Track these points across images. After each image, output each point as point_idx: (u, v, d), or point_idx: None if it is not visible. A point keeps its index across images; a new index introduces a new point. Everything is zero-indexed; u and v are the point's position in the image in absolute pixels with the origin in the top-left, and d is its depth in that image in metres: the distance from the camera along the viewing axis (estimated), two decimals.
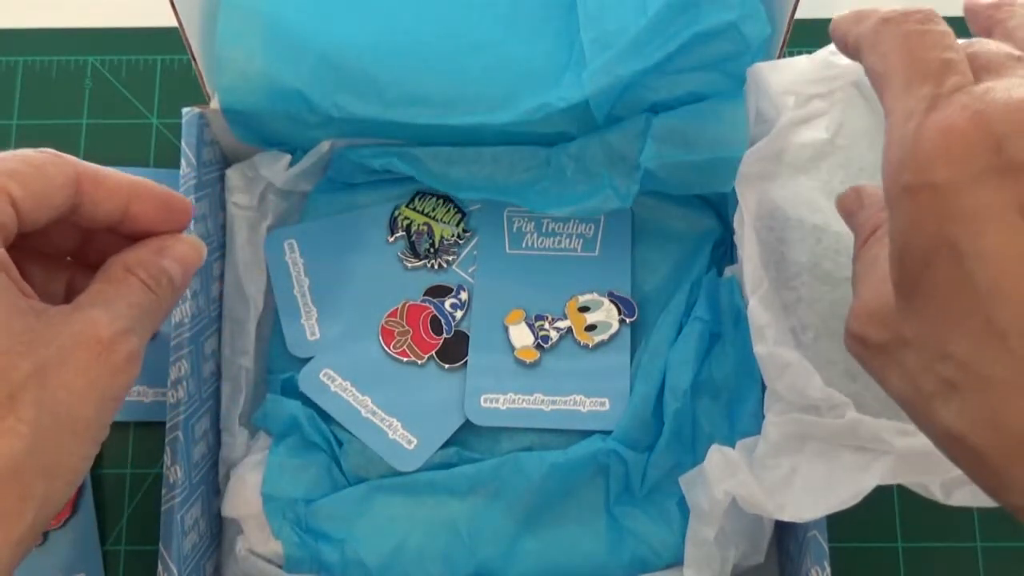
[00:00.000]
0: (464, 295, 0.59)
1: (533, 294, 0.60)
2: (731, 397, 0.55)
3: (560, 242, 0.61)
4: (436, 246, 0.60)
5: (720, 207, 0.61)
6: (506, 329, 0.59)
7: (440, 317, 0.59)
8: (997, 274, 0.29)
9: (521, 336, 0.58)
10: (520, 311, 0.59)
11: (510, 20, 0.57)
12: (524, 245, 0.61)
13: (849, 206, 0.41)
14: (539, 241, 0.61)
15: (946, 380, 0.31)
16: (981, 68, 0.32)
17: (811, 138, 0.50)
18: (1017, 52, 0.33)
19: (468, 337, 0.58)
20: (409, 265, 0.60)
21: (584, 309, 0.59)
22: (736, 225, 0.52)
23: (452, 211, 0.62)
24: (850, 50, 0.38)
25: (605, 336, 0.58)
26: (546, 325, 0.58)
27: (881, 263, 0.35)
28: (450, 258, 0.60)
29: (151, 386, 0.65)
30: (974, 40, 0.34)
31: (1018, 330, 0.29)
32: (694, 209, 0.61)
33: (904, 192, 0.31)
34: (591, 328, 0.58)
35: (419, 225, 0.61)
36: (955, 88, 0.31)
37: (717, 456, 0.49)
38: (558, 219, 0.62)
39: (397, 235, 0.61)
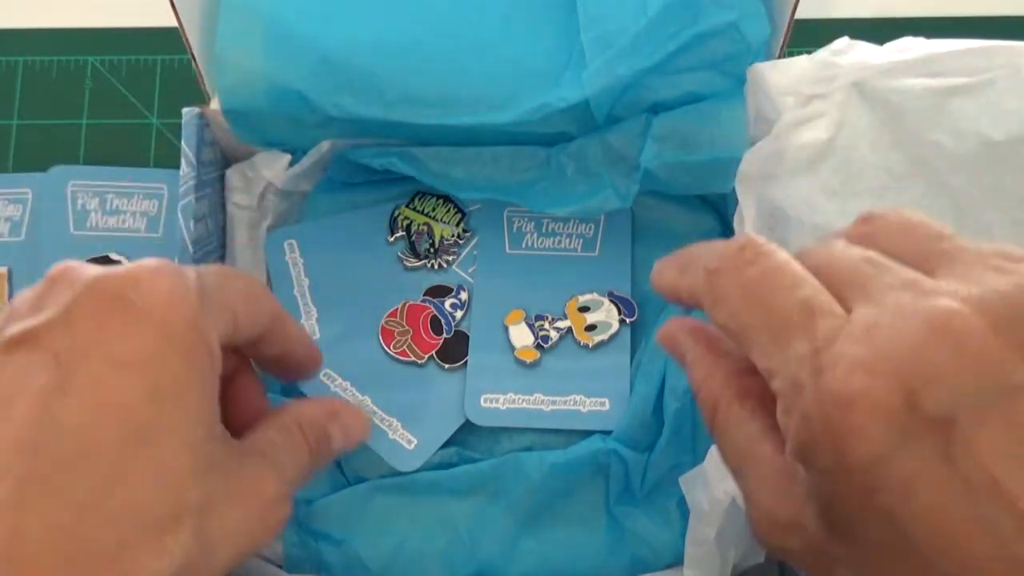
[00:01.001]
0: (464, 295, 0.59)
1: (533, 294, 0.60)
2: None
3: (560, 242, 0.61)
4: (436, 246, 0.60)
5: (720, 207, 0.61)
6: (506, 329, 0.58)
7: (440, 317, 0.59)
8: (939, 533, 0.27)
9: (521, 336, 0.58)
10: (520, 311, 0.59)
11: (510, 20, 0.57)
12: (524, 245, 0.61)
13: (670, 349, 0.38)
14: (539, 241, 0.61)
15: None
16: (845, 287, 0.29)
17: (811, 138, 0.50)
18: (869, 252, 0.30)
19: (468, 337, 0.58)
20: (409, 265, 0.60)
21: (584, 309, 0.59)
22: (736, 225, 0.52)
23: (452, 211, 0.62)
24: (687, 302, 0.35)
25: (605, 336, 0.58)
26: (546, 325, 0.58)
27: (762, 458, 0.32)
28: (450, 258, 0.60)
29: None
30: (814, 249, 0.31)
31: None
32: (694, 209, 0.61)
33: (822, 474, 0.28)
34: (591, 328, 0.58)
35: (419, 225, 0.61)
36: (831, 336, 0.28)
37: (717, 456, 0.49)
38: (558, 219, 0.62)
39: (397, 235, 0.61)
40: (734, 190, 0.51)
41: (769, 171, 0.50)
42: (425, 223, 0.61)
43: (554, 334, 0.58)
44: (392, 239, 0.61)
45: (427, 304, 0.59)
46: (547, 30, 0.57)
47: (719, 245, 0.33)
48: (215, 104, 0.58)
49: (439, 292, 0.59)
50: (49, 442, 0.31)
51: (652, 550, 0.54)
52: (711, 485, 0.49)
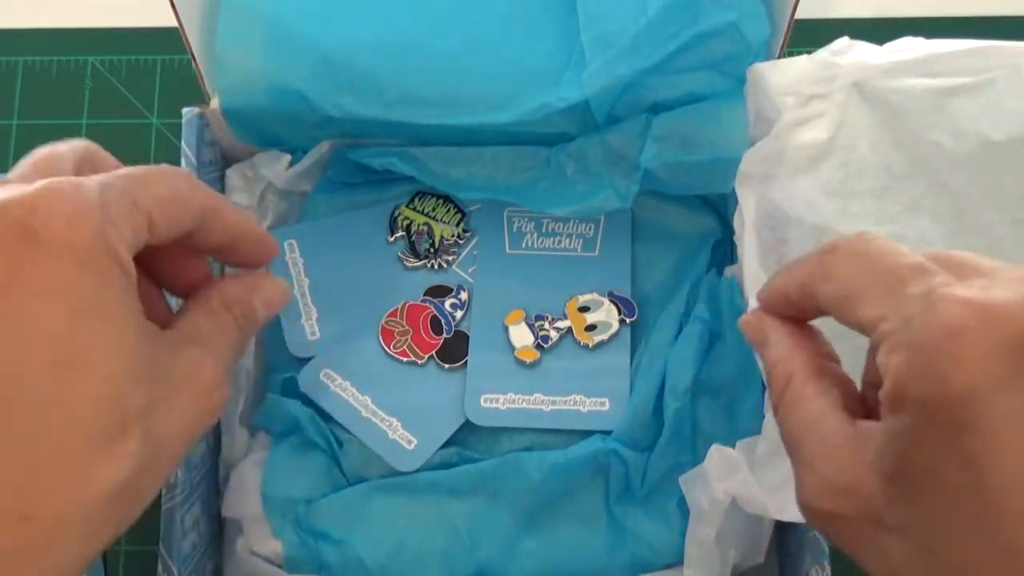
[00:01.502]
0: (464, 295, 0.59)
1: (533, 294, 0.59)
2: (731, 397, 0.55)
3: (560, 242, 0.61)
4: (436, 246, 0.60)
5: (720, 207, 0.61)
6: (506, 329, 0.58)
7: (440, 317, 0.59)
8: (1013, 487, 0.27)
9: (521, 336, 0.58)
10: (520, 311, 0.59)
11: (510, 20, 0.57)
12: (524, 245, 0.61)
13: (753, 336, 0.39)
14: (539, 241, 0.61)
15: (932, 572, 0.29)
16: (957, 268, 0.30)
17: (811, 138, 0.50)
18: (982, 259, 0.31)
19: (468, 337, 0.58)
20: (409, 265, 0.60)
21: (584, 309, 0.59)
22: (736, 225, 0.52)
23: (452, 211, 0.62)
24: (794, 297, 0.36)
25: (605, 336, 0.58)
26: (546, 325, 0.58)
27: (829, 428, 0.33)
28: (450, 258, 0.60)
29: None
30: (932, 249, 0.32)
31: None
32: (694, 209, 0.61)
33: (916, 403, 0.28)
34: (591, 328, 0.58)
35: (419, 225, 0.61)
36: (947, 283, 0.29)
37: (717, 456, 0.49)
38: (558, 219, 0.62)
39: (397, 235, 0.61)
40: (734, 190, 0.51)
41: (769, 171, 0.50)
42: (425, 223, 0.61)
43: (554, 334, 0.58)
44: (392, 239, 0.61)
45: (427, 304, 0.59)
46: (547, 30, 0.57)
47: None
48: (215, 104, 0.58)
49: (439, 292, 0.59)
50: None
51: (652, 550, 0.54)
52: (711, 485, 0.49)
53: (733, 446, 0.49)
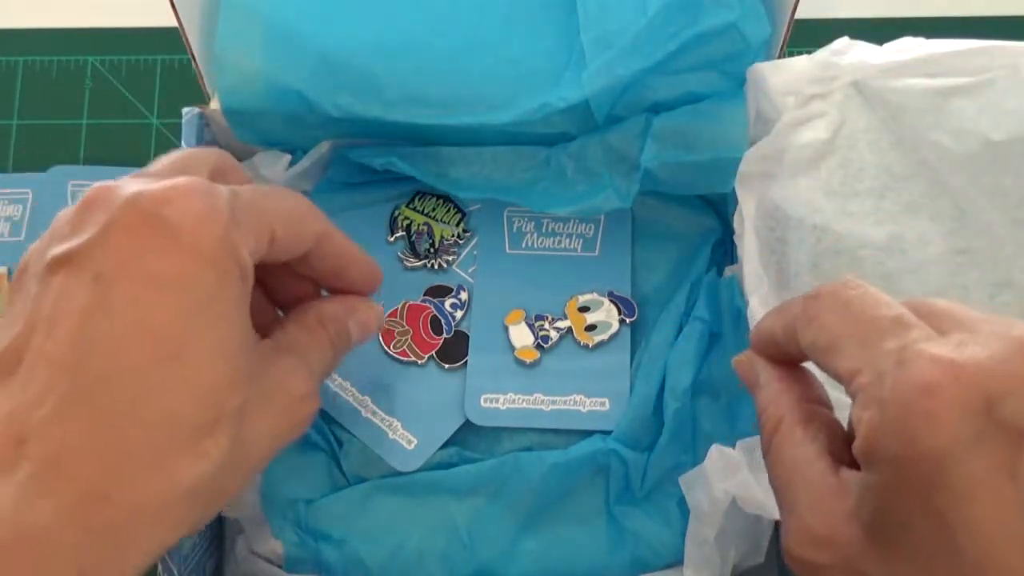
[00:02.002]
0: (464, 295, 0.59)
1: (533, 294, 0.59)
2: (731, 397, 0.55)
3: (560, 242, 0.61)
4: (436, 246, 0.60)
5: (720, 207, 0.61)
6: (506, 329, 0.58)
7: (440, 317, 0.59)
8: (986, 545, 0.27)
9: (521, 336, 0.58)
10: (520, 311, 0.59)
11: (510, 20, 0.57)
12: (524, 245, 0.61)
13: (745, 376, 0.40)
14: (539, 241, 0.61)
15: None
16: (941, 319, 0.31)
17: (811, 138, 0.50)
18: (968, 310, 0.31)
19: (468, 337, 0.58)
20: (409, 265, 0.60)
21: (584, 309, 0.59)
22: (736, 225, 0.52)
23: (452, 211, 0.62)
24: (780, 340, 0.36)
25: (605, 336, 0.58)
26: (546, 325, 0.58)
27: (814, 476, 0.33)
28: (450, 258, 0.60)
29: None
30: (911, 298, 0.33)
31: None
32: (694, 209, 0.61)
33: (887, 461, 0.29)
34: (591, 328, 0.58)
35: (419, 225, 0.61)
36: (922, 339, 0.29)
37: (717, 456, 0.49)
38: (558, 219, 0.61)
39: (397, 235, 0.61)
40: (734, 190, 0.51)
41: (769, 171, 0.50)
42: (425, 223, 0.61)
43: (554, 334, 0.58)
44: (392, 239, 0.61)
45: (427, 304, 0.59)
46: (547, 30, 0.57)
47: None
48: (215, 104, 0.58)
49: (439, 292, 0.59)
50: (88, 361, 0.33)
51: (652, 550, 0.54)
52: (711, 485, 0.49)
53: (733, 446, 0.49)
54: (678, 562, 0.53)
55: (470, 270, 0.60)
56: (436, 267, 0.60)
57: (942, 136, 0.48)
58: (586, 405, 0.56)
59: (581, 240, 0.61)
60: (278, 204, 0.40)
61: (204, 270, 0.35)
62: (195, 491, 0.34)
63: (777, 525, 0.54)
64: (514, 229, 0.61)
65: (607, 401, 0.56)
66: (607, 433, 0.56)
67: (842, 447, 0.34)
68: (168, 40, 0.73)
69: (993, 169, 0.48)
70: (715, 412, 0.55)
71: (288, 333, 0.43)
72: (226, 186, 0.37)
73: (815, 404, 0.36)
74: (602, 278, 0.60)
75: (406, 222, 0.61)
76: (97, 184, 0.36)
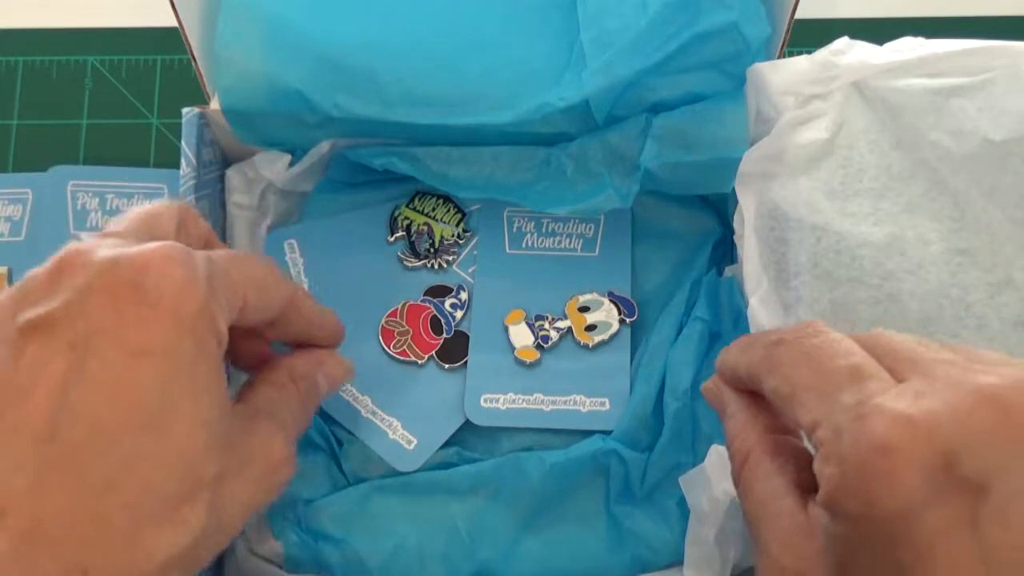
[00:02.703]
0: (464, 295, 0.59)
1: (533, 294, 0.59)
2: None
3: (560, 242, 0.61)
4: (436, 246, 0.60)
5: (720, 207, 0.61)
6: (506, 329, 0.58)
7: (440, 317, 0.59)
8: None
9: (521, 336, 0.58)
10: (520, 311, 0.59)
11: (510, 20, 0.57)
12: (524, 245, 0.61)
13: (712, 403, 0.40)
14: (539, 241, 0.61)
15: None
16: (900, 363, 0.31)
17: (811, 138, 0.50)
18: (921, 338, 0.32)
19: (468, 337, 0.58)
20: (409, 265, 0.60)
21: (584, 309, 0.59)
22: (736, 225, 0.52)
23: (452, 211, 0.62)
24: (744, 380, 0.37)
25: (605, 336, 0.58)
26: (546, 325, 0.58)
27: (783, 512, 0.33)
28: (450, 258, 0.60)
29: None
30: (873, 334, 0.33)
31: None
32: (694, 209, 0.61)
33: (847, 516, 0.29)
34: (591, 328, 0.58)
35: (419, 225, 0.61)
36: (878, 392, 0.29)
37: (717, 456, 0.49)
38: (558, 219, 0.62)
39: (397, 235, 0.61)
40: (734, 190, 0.51)
41: (769, 171, 0.50)
42: (425, 223, 0.61)
43: (554, 334, 0.58)
44: (392, 239, 0.61)
45: (427, 304, 0.59)
46: (547, 30, 0.57)
47: (784, 328, 0.35)
48: (215, 104, 0.58)
49: (439, 292, 0.59)
50: (65, 430, 0.32)
51: (652, 550, 0.54)
52: (711, 485, 0.49)
53: None
54: (678, 562, 0.53)
55: (470, 270, 0.60)
56: (436, 267, 0.60)
57: (942, 136, 0.48)
58: (586, 405, 0.56)
59: (581, 240, 0.61)
60: (249, 271, 0.40)
61: (183, 339, 0.34)
62: (172, 561, 0.34)
63: None
64: (514, 229, 0.61)
65: (607, 401, 0.57)
66: (607, 433, 0.56)
67: (811, 477, 0.33)
68: (168, 40, 0.73)
69: (993, 169, 0.48)
70: (715, 412, 0.55)
71: (260, 394, 0.44)
72: (201, 252, 0.37)
73: (782, 434, 0.36)
74: (602, 278, 0.60)
75: (406, 222, 0.61)
76: (70, 245, 0.36)
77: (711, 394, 0.40)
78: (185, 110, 0.58)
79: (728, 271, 0.57)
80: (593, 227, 0.61)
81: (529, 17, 0.58)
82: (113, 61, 0.75)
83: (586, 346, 0.58)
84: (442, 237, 0.61)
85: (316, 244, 0.61)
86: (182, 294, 0.34)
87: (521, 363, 0.58)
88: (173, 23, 0.54)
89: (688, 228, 0.61)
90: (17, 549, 0.31)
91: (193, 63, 0.57)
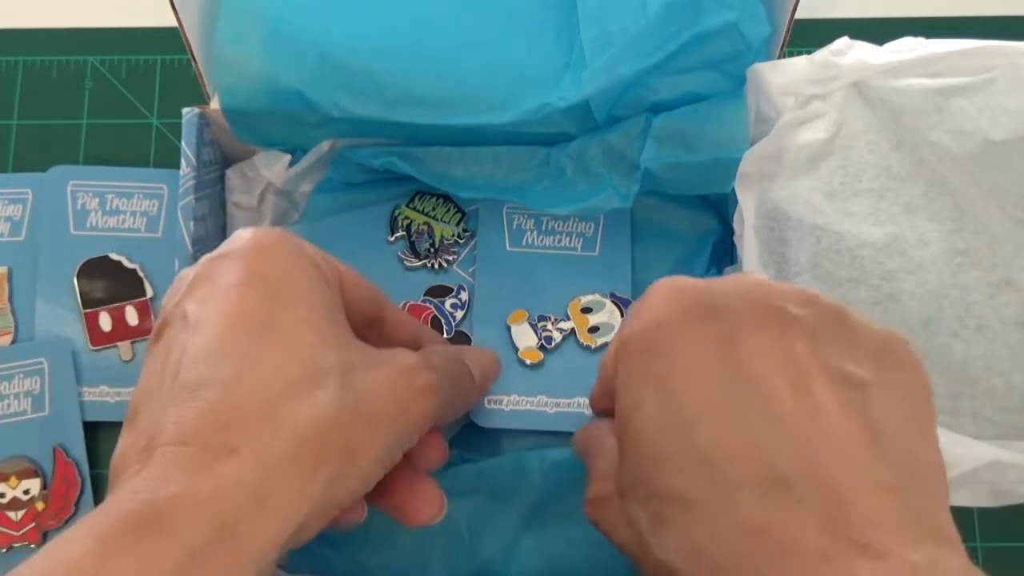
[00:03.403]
0: (464, 295, 0.59)
1: (534, 293, 0.59)
2: None
3: (560, 240, 0.61)
4: (436, 246, 0.60)
5: (720, 207, 0.61)
6: (508, 329, 0.58)
7: (440, 317, 0.59)
8: (699, 398, 0.32)
9: (524, 336, 0.58)
10: (523, 311, 0.59)
11: (510, 20, 0.57)
12: (524, 243, 0.61)
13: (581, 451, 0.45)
14: (539, 239, 0.61)
15: (658, 516, 0.33)
16: None
17: (810, 139, 0.50)
18: None
19: (469, 337, 0.58)
20: (409, 265, 0.60)
21: (587, 310, 0.59)
22: (736, 225, 0.52)
23: (452, 211, 0.62)
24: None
25: (608, 338, 0.58)
26: (549, 326, 0.58)
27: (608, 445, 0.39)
28: (450, 258, 0.60)
29: None
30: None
31: (719, 453, 0.31)
32: (694, 209, 0.61)
33: (622, 345, 0.35)
34: (594, 330, 0.58)
35: (419, 225, 0.61)
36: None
37: None
38: (558, 217, 0.61)
39: (397, 235, 0.61)
40: (734, 190, 0.51)
41: (769, 171, 0.50)
42: (425, 223, 0.61)
43: (557, 335, 0.58)
44: (392, 239, 0.61)
45: (427, 304, 0.59)
46: (547, 30, 0.57)
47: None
48: (215, 104, 0.58)
49: (439, 292, 0.59)
50: (187, 362, 0.37)
51: None
52: None
53: None
54: None
55: (470, 270, 0.60)
56: (436, 267, 0.60)
57: (942, 136, 0.48)
58: (589, 408, 0.56)
59: (581, 239, 0.61)
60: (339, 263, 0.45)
61: (275, 267, 0.39)
62: (315, 436, 0.36)
63: None
64: (514, 226, 0.61)
65: None
66: None
67: None
68: (168, 40, 0.73)
69: (993, 169, 0.48)
70: None
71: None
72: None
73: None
74: (603, 278, 0.60)
75: (406, 222, 0.61)
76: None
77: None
78: (185, 110, 0.58)
79: (728, 271, 0.57)
80: (593, 226, 0.61)
81: (529, 17, 0.58)
82: (113, 61, 0.75)
83: (589, 348, 0.58)
84: (442, 237, 0.61)
85: (316, 244, 0.60)
86: (259, 242, 0.40)
87: (525, 364, 0.58)
88: (173, 23, 0.54)
89: (688, 228, 0.61)
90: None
91: (193, 63, 0.57)
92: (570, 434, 0.55)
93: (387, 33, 0.56)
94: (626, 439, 0.35)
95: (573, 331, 0.58)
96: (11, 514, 0.62)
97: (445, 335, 0.58)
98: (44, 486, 0.63)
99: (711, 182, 0.57)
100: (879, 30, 0.67)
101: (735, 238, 0.52)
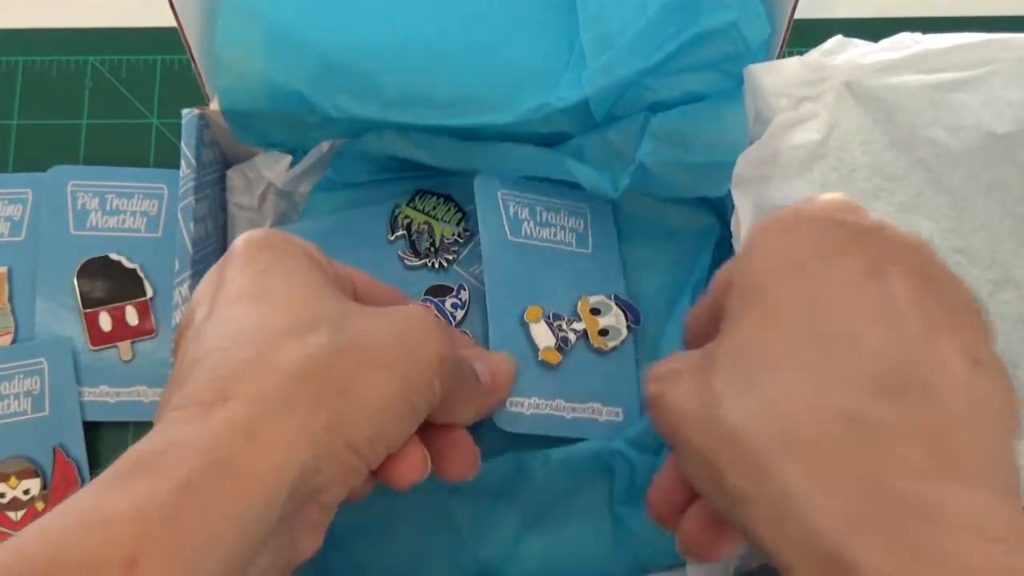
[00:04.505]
0: (465, 294, 0.59)
1: (544, 289, 0.58)
2: None
3: (556, 234, 0.60)
4: (436, 245, 0.60)
5: (719, 206, 0.61)
6: (525, 325, 0.56)
7: (441, 316, 0.59)
8: (841, 294, 0.34)
9: (543, 335, 0.56)
10: (538, 308, 0.56)
11: (509, 20, 0.57)
12: (524, 233, 0.59)
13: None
14: (537, 231, 0.60)
15: (747, 381, 0.34)
16: None
17: (803, 140, 0.50)
18: None
19: (470, 337, 0.58)
20: (409, 264, 0.60)
21: (595, 312, 0.58)
22: (733, 227, 0.52)
23: (452, 210, 0.62)
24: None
25: (617, 342, 0.57)
26: (564, 326, 0.56)
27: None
28: (450, 257, 0.60)
29: (151, 386, 0.66)
30: None
31: (840, 346, 0.33)
32: (693, 207, 0.61)
33: (759, 227, 0.38)
34: (604, 333, 0.57)
35: (419, 224, 0.61)
36: None
37: None
38: (551, 207, 0.60)
39: (397, 234, 0.61)
40: (731, 191, 0.51)
41: (764, 173, 0.50)
42: (425, 222, 0.61)
43: (572, 336, 0.56)
44: (392, 238, 0.61)
45: (428, 304, 0.59)
46: (547, 30, 0.57)
47: None
48: (215, 105, 0.58)
49: (440, 291, 0.59)
50: (192, 347, 0.38)
51: (655, 550, 0.53)
52: None
53: None
54: (680, 563, 0.53)
55: (471, 269, 0.60)
56: (436, 266, 0.60)
57: (940, 133, 0.48)
58: (603, 414, 0.56)
59: (574, 235, 0.60)
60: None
61: (267, 254, 0.41)
62: (306, 375, 0.36)
63: None
64: (511, 214, 0.59)
65: (620, 411, 0.56)
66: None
67: None
68: (168, 40, 0.73)
69: (995, 163, 0.47)
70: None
71: None
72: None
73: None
74: (602, 278, 0.59)
75: (407, 221, 0.61)
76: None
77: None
78: (185, 111, 0.58)
79: None
80: (582, 222, 0.61)
81: (529, 18, 0.58)
82: (113, 61, 0.75)
83: (600, 350, 0.57)
84: (442, 236, 0.61)
85: (316, 242, 0.60)
86: (254, 235, 0.42)
87: (545, 365, 0.56)
88: (173, 23, 0.54)
89: (687, 226, 0.61)
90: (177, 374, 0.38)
91: (193, 64, 0.57)
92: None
93: (387, 34, 0.57)
94: (747, 309, 0.36)
95: (585, 332, 0.57)
96: (11, 514, 0.62)
97: None
98: (44, 486, 0.63)
99: (707, 184, 0.57)
100: (879, 30, 0.67)
101: (733, 240, 0.52)
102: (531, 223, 0.60)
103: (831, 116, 0.50)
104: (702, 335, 0.40)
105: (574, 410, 0.55)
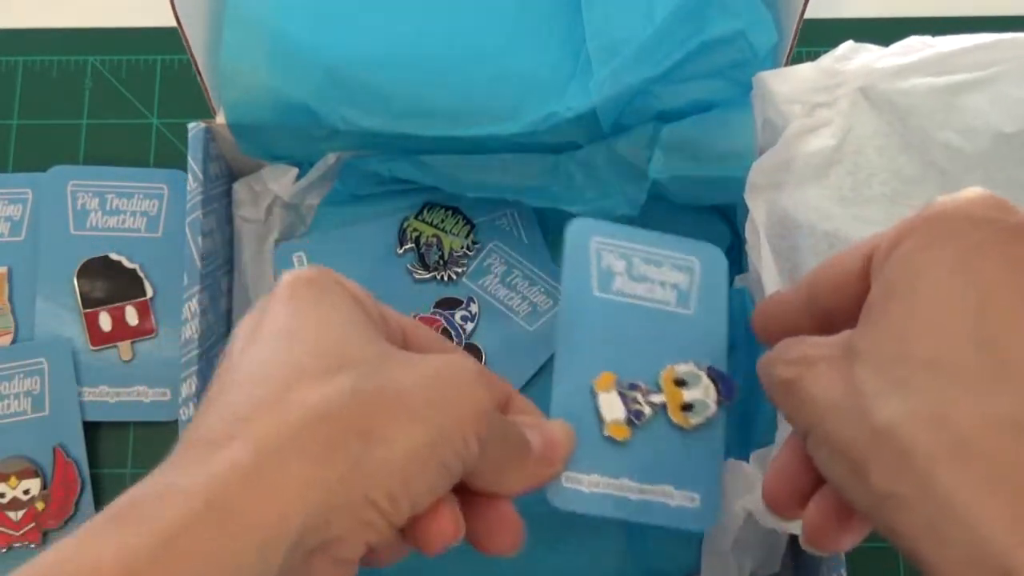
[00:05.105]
0: (474, 307, 0.59)
1: (623, 354, 0.49)
2: (745, 407, 0.54)
3: (652, 290, 0.50)
4: (445, 258, 0.60)
5: (730, 213, 0.61)
6: (595, 395, 0.48)
7: (450, 329, 0.58)
8: (1006, 291, 0.32)
9: (612, 407, 0.47)
10: (611, 375, 0.48)
11: (515, 30, 0.57)
12: (615, 289, 0.49)
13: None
14: (630, 286, 0.50)
15: (899, 380, 0.32)
16: None
17: (818, 146, 0.50)
18: None
19: (480, 351, 0.58)
20: (418, 277, 0.60)
21: (681, 383, 0.49)
22: (748, 235, 0.51)
23: (461, 223, 0.61)
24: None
25: (702, 419, 0.48)
26: (639, 397, 0.48)
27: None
28: (459, 270, 0.60)
29: (151, 386, 0.66)
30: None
31: (1008, 347, 0.31)
32: (703, 215, 0.61)
33: (916, 219, 0.35)
34: (687, 408, 0.48)
35: (428, 237, 0.61)
36: None
37: (733, 472, 0.49)
38: (650, 259, 0.51)
39: (406, 247, 0.61)
40: (744, 198, 0.51)
41: (778, 180, 0.50)
42: (434, 235, 0.61)
43: (648, 410, 0.48)
44: (401, 251, 0.61)
45: (437, 317, 0.59)
46: (553, 40, 0.57)
47: None
48: (221, 118, 0.58)
49: (449, 304, 0.59)
50: (218, 382, 0.37)
51: (669, 559, 0.54)
52: (728, 500, 0.49)
53: (747, 456, 0.49)
54: (695, 573, 0.53)
55: (479, 282, 0.60)
56: (446, 279, 0.60)
57: (951, 136, 0.48)
58: (675, 498, 0.47)
59: (675, 292, 0.50)
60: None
61: (307, 291, 0.39)
62: (327, 416, 0.34)
63: (792, 537, 0.54)
64: (603, 266, 0.50)
65: (697, 497, 0.47)
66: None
67: None
68: (168, 40, 0.72)
69: (1008, 163, 0.47)
70: (730, 423, 0.53)
71: None
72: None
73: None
74: (699, 345, 0.50)
75: (415, 234, 0.61)
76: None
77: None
78: (191, 125, 0.58)
79: (739, 281, 0.56)
80: (688, 278, 0.51)
81: (534, 27, 0.57)
82: (113, 61, 0.75)
83: (680, 428, 0.48)
84: (451, 249, 0.60)
85: (325, 257, 0.60)
86: (300, 274, 0.40)
87: (611, 441, 0.47)
88: (173, 23, 0.54)
89: (699, 235, 0.60)
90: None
91: (193, 63, 0.57)
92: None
93: (393, 45, 0.56)
94: (893, 303, 0.34)
95: (664, 406, 0.48)
96: (11, 514, 0.62)
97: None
98: (44, 486, 0.63)
99: (720, 194, 0.56)
100: (886, 30, 0.67)
101: (747, 248, 0.52)
102: (625, 277, 0.50)
103: (846, 121, 0.50)
104: (790, 326, 0.40)
105: (642, 492, 0.47)
